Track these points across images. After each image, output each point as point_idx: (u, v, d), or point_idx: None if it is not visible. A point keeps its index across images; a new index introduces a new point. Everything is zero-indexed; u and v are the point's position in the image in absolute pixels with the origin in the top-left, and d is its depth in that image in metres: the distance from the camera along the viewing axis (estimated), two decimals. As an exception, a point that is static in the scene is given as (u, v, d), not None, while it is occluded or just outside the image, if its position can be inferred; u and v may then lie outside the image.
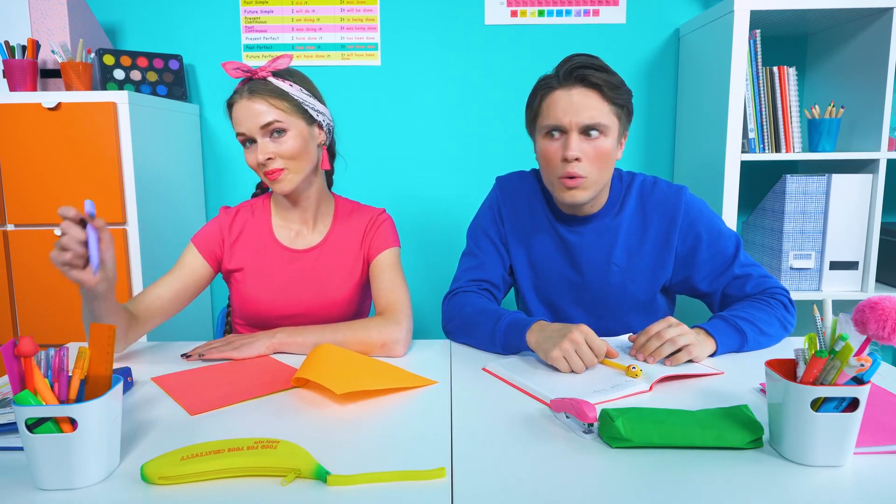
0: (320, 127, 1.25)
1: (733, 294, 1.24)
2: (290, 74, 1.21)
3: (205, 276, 1.26)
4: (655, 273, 1.27)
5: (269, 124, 1.16)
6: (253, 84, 1.17)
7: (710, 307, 1.30)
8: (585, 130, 1.13)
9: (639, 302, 1.29)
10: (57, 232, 1.73)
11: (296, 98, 1.18)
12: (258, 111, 1.16)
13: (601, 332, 1.27)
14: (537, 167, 1.33)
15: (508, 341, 1.12)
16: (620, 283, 1.27)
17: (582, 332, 1.01)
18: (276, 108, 1.16)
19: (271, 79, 1.18)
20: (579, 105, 1.12)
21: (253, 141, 1.18)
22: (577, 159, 1.14)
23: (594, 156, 1.15)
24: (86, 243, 0.90)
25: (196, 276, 1.25)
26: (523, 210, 1.33)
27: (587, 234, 1.27)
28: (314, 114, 1.22)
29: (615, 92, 1.12)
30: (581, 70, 1.12)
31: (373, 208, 1.34)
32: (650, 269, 1.27)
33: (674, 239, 1.25)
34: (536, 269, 1.32)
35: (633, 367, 0.98)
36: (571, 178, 1.15)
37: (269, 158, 1.17)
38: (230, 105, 1.20)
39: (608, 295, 1.28)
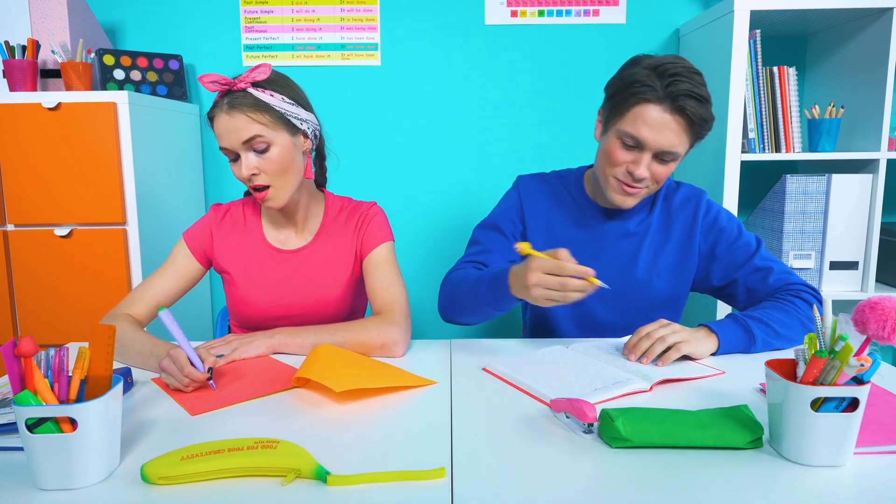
0: (305, 135, 1.21)
1: (756, 287, 1.24)
2: (271, 83, 1.15)
3: (196, 275, 1.28)
4: (680, 271, 1.30)
5: (251, 139, 1.12)
6: (232, 97, 1.12)
7: (734, 303, 1.31)
8: (660, 154, 1.15)
9: (663, 299, 1.30)
10: (61, 233, 1.73)
11: (277, 109, 1.13)
12: (239, 126, 1.11)
13: (625, 329, 1.27)
14: (540, 170, 1.33)
15: (494, 293, 1.08)
16: (646, 281, 1.29)
17: (535, 267, 0.96)
18: (258, 122, 1.11)
19: (251, 90, 1.12)
20: (667, 132, 1.12)
21: (237, 156, 1.15)
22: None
23: (659, 175, 1.18)
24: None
25: (189, 275, 1.26)
26: (546, 208, 1.34)
27: (615, 233, 1.30)
28: (298, 123, 1.17)
29: (702, 126, 1.14)
30: (684, 100, 1.10)
31: (363, 202, 1.32)
32: (675, 268, 1.29)
33: (696, 237, 1.29)
34: None
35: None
36: (630, 186, 1.18)
37: (254, 174, 1.14)
38: (210, 118, 1.15)
39: (633, 292, 1.29)
